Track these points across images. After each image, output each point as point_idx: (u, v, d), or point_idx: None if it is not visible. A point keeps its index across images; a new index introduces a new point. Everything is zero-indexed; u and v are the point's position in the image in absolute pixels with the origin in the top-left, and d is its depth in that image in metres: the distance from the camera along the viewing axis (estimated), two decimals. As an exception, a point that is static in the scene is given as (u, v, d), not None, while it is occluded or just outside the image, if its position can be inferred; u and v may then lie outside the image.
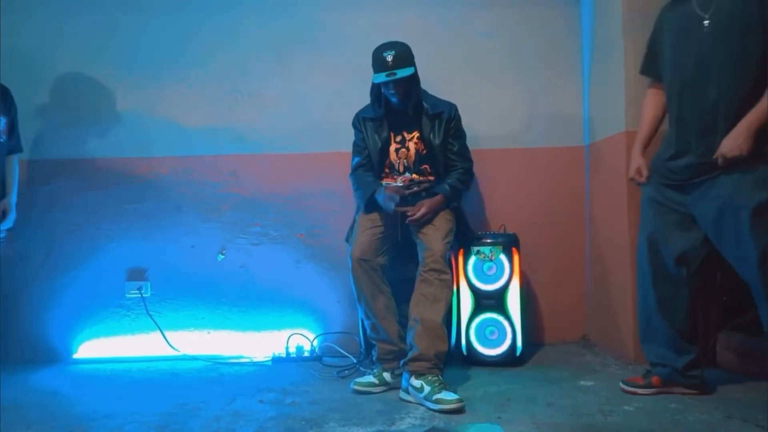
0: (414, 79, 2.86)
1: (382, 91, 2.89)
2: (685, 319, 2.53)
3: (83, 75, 3.56)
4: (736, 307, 2.93)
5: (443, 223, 2.86)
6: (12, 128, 3.12)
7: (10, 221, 3.08)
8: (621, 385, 2.65)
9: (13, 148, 3.15)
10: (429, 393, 2.50)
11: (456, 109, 3.00)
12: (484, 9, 3.62)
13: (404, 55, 2.81)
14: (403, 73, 2.78)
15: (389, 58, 2.78)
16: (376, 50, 2.84)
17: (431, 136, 2.93)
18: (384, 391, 2.76)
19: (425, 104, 2.94)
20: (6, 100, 3.10)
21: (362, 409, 2.52)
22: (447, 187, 2.91)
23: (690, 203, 2.40)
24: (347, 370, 3.08)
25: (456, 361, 3.12)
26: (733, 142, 2.21)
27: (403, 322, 2.84)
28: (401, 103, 2.88)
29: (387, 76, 2.78)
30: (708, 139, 2.31)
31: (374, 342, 2.88)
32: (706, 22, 2.32)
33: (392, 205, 2.83)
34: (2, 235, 3.06)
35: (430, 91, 3.06)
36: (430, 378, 2.56)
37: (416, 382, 2.57)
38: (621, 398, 2.54)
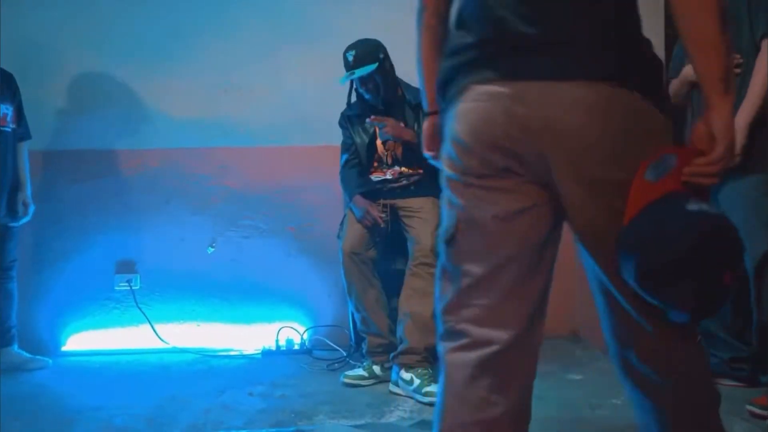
0: (379, 73, 2.88)
1: (357, 87, 2.96)
2: (734, 318, 2.53)
3: (70, 67, 3.53)
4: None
5: (432, 216, 2.86)
6: (19, 115, 3.13)
7: (29, 214, 3.16)
8: None
9: (23, 135, 3.16)
10: (419, 386, 2.52)
11: None
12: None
13: (365, 52, 2.85)
14: (361, 72, 2.82)
15: (350, 58, 2.84)
16: (344, 50, 2.89)
17: (415, 127, 2.94)
18: (373, 384, 2.77)
19: (407, 95, 2.96)
20: (11, 86, 3.11)
21: (352, 401, 2.53)
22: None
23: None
24: (337, 363, 3.08)
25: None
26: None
27: (393, 315, 2.85)
28: (373, 98, 2.92)
29: (348, 76, 2.85)
30: None
31: (364, 335, 2.89)
32: None
33: (363, 218, 2.87)
34: (11, 224, 3.11)
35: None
36: (420, 371, 2.57)
37: (406, 375, 2.58)
38: (609, 392, 2.56)
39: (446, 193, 1.27)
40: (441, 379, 1.25)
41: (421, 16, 1.40)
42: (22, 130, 3.15)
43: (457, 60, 1.25)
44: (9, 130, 3.06)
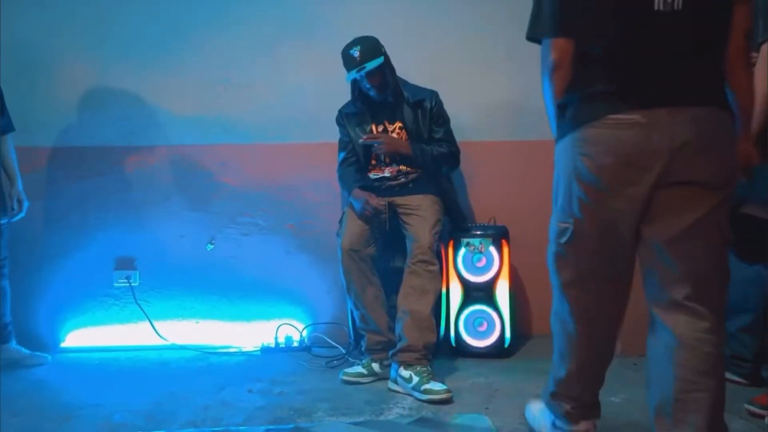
0: (386, 67, 2.87)
1: (360, 87, 2.91)
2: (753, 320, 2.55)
3: (69, 63, 3.52)
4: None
5: (431, 213, 2.86)
6: (1, 108, 3.06)
7: (24, 210, 3.08)
8: None
9: (6, 127, 3.08)
10: (417, 383, 2.52)
11: (437, 95, 3.01)
12: (479, 4, 3.61)
13: (370, 47, 2.83)
14: (372, 64, 2.80)
15: (356, 54, 2.80)
16: (343, 50, 2.86)
17: (415, 127, 2.93)
18: (372, 381, 2.77)
19: (405, 93, 2.95)
20: None
21: (350, 399, 2.53)
22: (422, 147, 2.92)
23: None
24: (336, 360, 3.08)
25: (445, 353, 3.13)
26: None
27: (392, 312, 2.85)
28: (380, 94, 2.90)
29: (357, 71, 2.80)
30: None
31: (363, 333, 2.89)
32: None
33: (363, 209, 2.85)
34: (4, 221, 3.04)
35: (422, 82, 3.05)
36: (418, 368, 2.57)
37: (405, 373, 2.58)
38: (608, 390, 2.54)
39: (567, 195, 1.72)
40: (569, 308, 1.85)
41: (555, 73, 1.69)
42: (5, 122, 3.06)
43: (586, 90, 1.64)
44: None
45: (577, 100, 1.65)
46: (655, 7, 1.57)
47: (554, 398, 1.93)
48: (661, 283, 1.67)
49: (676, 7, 1.58)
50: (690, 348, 1.62)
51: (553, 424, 1.97)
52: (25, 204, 3.10)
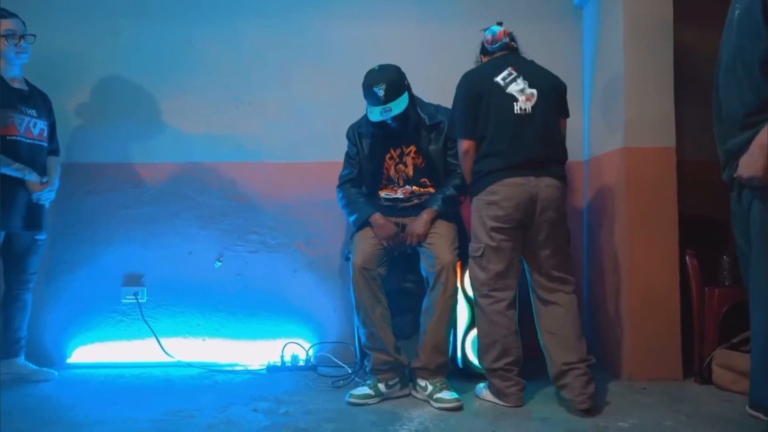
0: (410, 104, 2.85)
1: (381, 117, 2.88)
2: None
3: (81, 81, 3.58)
4: (733, 325, 2.93)
5: (447, 230, 2.85)
6: (52, 133, 3.26)
7: (53, 190, 3.16)
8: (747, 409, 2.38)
9: (53, 151, 3.28)
10: (431, 392, 2.72)
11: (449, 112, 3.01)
12: (486, 23, 3.62)
13: (395, 84, 2.79)
14: (397, 108, 2.78)
15: (381, 93, 2.76)
16: (365, 82, 2.82)
17: (430, 147, 2.92)
18: (379, 402, 2.75)
19: (422, 114, 2.93)
20: (47, 105, 3.24)
21: (356, 419, 2.51)
22: (440, 199, 2.90)
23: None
24: (342, 380, 3.06)
25: (451, 374, 3.09)
26: (747, 162, 1.98)
27: (396, 333, 2.86)
28: (400, 126, 2.90)
29: (382, 113, 2.78)
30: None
31: (369, 352, 2.87)
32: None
33: (385, 243, 2.84)
34: (43, 237, 3.18)
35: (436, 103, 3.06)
36: (433, 380, 2.77)
37: (422, 383, 2.80)
38: (616, 415, 2.54)
39: (481, 228, 2.69)
40: (481, 318, 2.74)
41: (466, 157, 2.75)
42: (53, 147, 3.26)
43: (492, 166, 2.66)
44: (45, 145, 3.17)
45: (488, 170, 2.66)
46: (515, 112, 2.64)
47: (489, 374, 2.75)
48: (534, 274, 2.74)
49: (527, 112, 2.66)
50: (558, 307, 2.72)
51: (487, 387, 2.77)
52: (56, 183, 3.18)
